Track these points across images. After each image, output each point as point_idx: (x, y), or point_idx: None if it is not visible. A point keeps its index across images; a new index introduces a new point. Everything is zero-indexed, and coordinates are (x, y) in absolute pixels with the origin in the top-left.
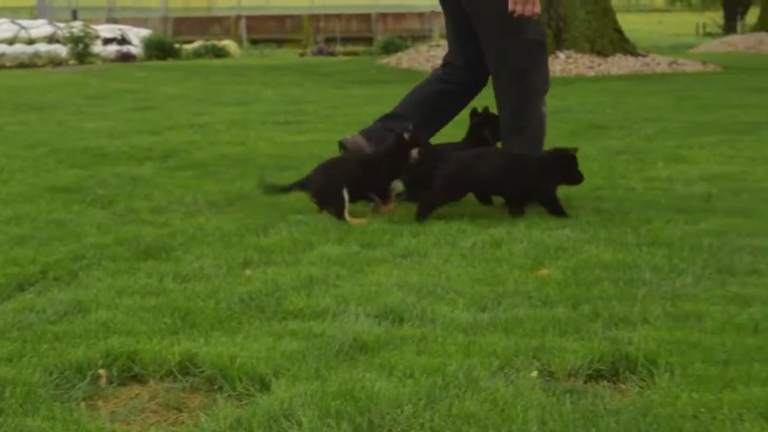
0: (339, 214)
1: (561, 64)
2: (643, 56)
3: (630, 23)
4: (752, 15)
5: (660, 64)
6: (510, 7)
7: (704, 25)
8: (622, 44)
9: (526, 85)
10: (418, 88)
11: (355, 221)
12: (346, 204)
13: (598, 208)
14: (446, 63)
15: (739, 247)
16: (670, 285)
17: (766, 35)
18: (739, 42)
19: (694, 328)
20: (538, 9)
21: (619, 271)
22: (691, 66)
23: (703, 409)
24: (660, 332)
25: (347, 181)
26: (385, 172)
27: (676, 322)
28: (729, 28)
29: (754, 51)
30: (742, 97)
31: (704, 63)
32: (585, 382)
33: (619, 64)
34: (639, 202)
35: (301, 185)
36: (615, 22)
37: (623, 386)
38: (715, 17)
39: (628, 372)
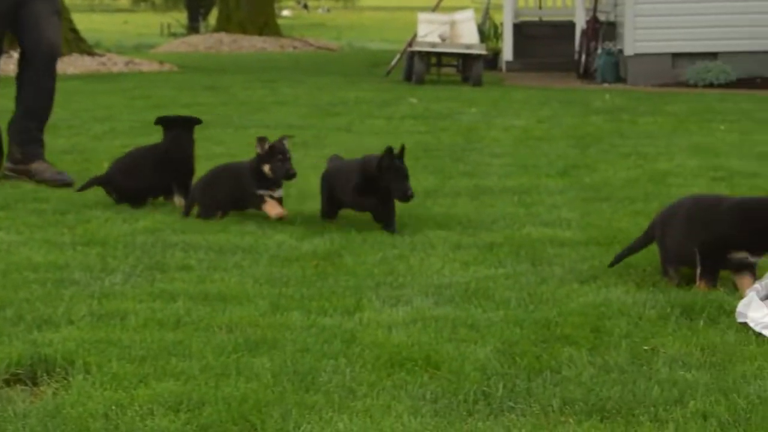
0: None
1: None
2: (100, 56)
3: (95, 23)
4: (214, 16)
5: (117, 63)
6: None
7: (169, 26)
8: (78, 44)
9: None
10: None
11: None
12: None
13: (37, 210)
14: None
15: (173, 243)
16: (100, 284)
17: (225, 36)
18: (200, 42)
19: (116, 327)
20: None
21: (50, 272)
22: (148, 66)
23: (114, 407)
24: (82, 332)
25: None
26: (251, 181)
27: (100, 321)
28: (192, 28)
29: (214, 51)
30: (194, 96)
31: (161, 63)
32: (1, 388)
33: (75, 64)
34: (79, 202)
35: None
36: (71, 21)
37: (40, 389)
38: (179, 18)
39: (45, 374)
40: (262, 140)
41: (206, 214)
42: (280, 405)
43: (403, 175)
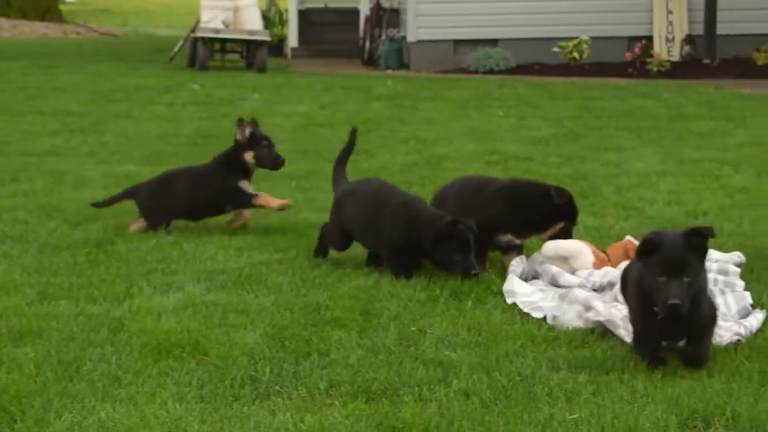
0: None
1: None
2: None
3: None
4: None
5: None
6: None
7: None
8: None
9: None
10: None
11: None
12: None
13: None
14: None
15: None
16: None
17: (5, 21)
18: None
19: None
20: None
21: None
22: None
23: None
24: None
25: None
26: (234, 174)
27: None
28: None
29: None
30: None
31: None
32: None
33: None
34: None
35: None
36: None
37: None
38: None
39: None
40: (242, 124)
41: (154, 221)
42: (41, 395)
43: (467, 247)
